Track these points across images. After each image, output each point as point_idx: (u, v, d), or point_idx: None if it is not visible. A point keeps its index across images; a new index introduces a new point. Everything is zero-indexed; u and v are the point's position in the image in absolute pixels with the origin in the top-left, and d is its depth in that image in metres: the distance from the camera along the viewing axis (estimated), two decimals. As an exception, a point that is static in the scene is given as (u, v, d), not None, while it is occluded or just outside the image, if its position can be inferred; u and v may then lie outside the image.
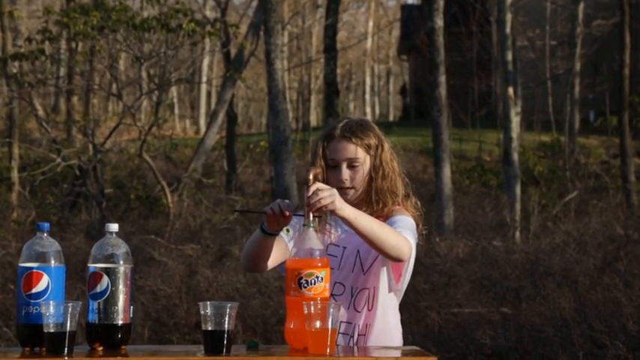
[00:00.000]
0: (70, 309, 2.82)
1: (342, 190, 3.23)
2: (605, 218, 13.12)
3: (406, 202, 3.36)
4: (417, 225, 3.34)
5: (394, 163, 3.34)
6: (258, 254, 3.24)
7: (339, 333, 3.17)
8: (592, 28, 24.00)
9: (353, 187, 3.28)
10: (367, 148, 3.28)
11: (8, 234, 12.09)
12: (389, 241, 3.10)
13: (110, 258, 2.99)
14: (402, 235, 3.16)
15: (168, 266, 9.65)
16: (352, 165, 3.27)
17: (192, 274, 9.39)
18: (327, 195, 2.99)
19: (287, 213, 3.10)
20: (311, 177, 3.05)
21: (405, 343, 3.44)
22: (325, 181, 3.24)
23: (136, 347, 3.14)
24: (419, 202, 3.39)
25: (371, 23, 40.83)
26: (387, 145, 3.33)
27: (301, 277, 3.04)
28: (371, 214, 3.21)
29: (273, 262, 3.29)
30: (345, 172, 3.27)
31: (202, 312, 2.92)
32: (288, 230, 3.31)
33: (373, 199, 3.30)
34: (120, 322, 2.99)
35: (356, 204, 3.24)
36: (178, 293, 8.82)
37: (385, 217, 3.30)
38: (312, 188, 3.01)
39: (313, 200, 2.99)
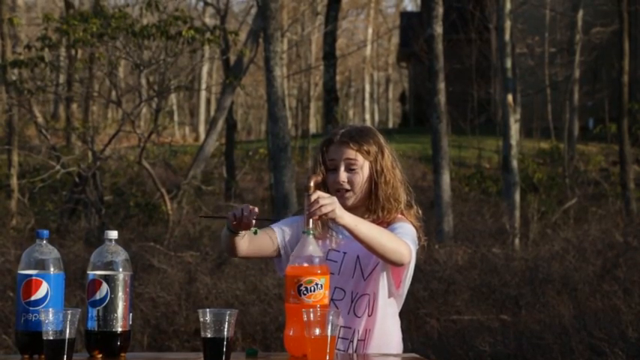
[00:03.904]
0: (69, 316, 2.81)
1: (341, 193, 3.27)
2: (605, 225, 13.11)
3: (409, 211, 3.36)
4: (419, 237, 3.35)
5: (396, 170, 3.35)
6: (229, 245, 3.27)
7: (338, 337, 3.17)
8: (591, 36, 24.03)
9: (352, 190, 3.29)
10: (366, 154, 3.29)
11: (7, 241, 12.08)
12: (389, 246, 3.12)
13: (109, 265, 2.99)
14: (401, 239, 3.18)
15: (167, 273, 9.65)
16: (350, 168, 3.29)
17: (191, 281, 9.38)
18: (327, 203, 3.01)
19: (247, 221, 3.10)
20: (312, 184, 3.07)
21: (404, 351, 3.45)
22: (325, 186, 3.28)
23: (135, 354, 3.14)
24: (420, 212, 3.40)
25: (370, 30, 40.87)
26: (387, 152, 3.33)
27: (301, 284, 3.04)
28: (373, 221, 3.23)
29: (253, 251, 3.32)
30: (343, 174, 3.28)
31: (201, 319, 2.92)
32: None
33: (376, 206, 3.31)
34: (119, 330, 2.99)
35: (358, 210, 3.28)
36: (177, 300, 8.81)
37: (387, 224, 3.31)
38: (314, 196, 3.03)
39: (314, 208, 3.01)
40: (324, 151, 3.32)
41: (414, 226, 3.34)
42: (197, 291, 9.04)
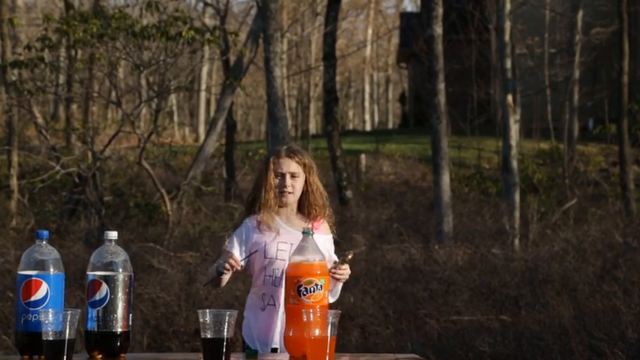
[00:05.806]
0: (69, 317, 2.81)
1: (284, 195, 4.17)
2: (604, 226, 13.10)
3: (326, 212, 4.27)
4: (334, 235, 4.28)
5: (320, 182, 4.28)
6: (216, 283, 4.26)
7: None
8: (591, 36, 24.03)
9: (293, 193, 4.19)
10: (303, 167, 4.23)
11: (7, 242, 12.07)
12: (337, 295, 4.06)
13: (109, 266, 3.00)
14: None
15: (167, 274, 9.65)
16: (293, 176, 4.20)
17: (191, 282, 9.39)
18: (346, 274, 3.93)
19: (238, 267, 3.99)
20: (350, 257, 3.85)
21: (404, 351, 3.46)
22: (274, 186, 4.16)
23: (134, 355, 3.14)
24: (332, 211, 4.32)
25: (370, 31, 40.89)
26: (314, 167, 4.28)
27: (300, 285, 3.04)
28: (302, 219, 4.17)
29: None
30: (289, 181, 4.20)
31: (201, 320, 2.93)
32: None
33: (305, 206, 4.21)
34: (119, 330, 2.99)
35: (293, 209, 4.20)
36: (177, 301, 8.81)
37: (317, 227, 4.11)
38: (346, 267, 3.89)
39: (340, 273, 3.85)
40: (274, 162, 4.21)
41: (331, 228, 4.25)
42: (197, 291, 9.04)
